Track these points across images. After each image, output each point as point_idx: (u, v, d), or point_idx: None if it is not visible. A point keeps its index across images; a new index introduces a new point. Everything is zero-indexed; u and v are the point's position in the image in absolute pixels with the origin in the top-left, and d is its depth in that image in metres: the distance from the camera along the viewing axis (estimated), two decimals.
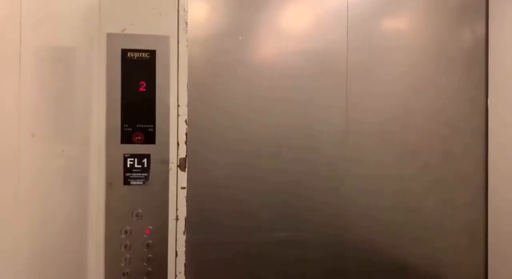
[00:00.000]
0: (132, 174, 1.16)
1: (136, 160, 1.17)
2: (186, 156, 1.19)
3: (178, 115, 1.19)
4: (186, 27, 1.19)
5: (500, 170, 1.49)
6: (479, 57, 1.56)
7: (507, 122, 1.45)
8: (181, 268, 1.19)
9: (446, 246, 1.53)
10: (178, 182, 1.19)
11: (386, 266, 1.49)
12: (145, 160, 1.17)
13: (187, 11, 1.19)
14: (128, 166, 1.16)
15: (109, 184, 1.15)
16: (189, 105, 1.21)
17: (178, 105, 1.19)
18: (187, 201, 1.20)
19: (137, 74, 1.16)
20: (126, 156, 1.16)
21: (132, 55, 1.16)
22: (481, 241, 1.54)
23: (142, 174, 1.17)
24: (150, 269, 1.17)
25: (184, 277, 1.19)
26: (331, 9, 1.44)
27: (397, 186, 1.49)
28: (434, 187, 1.52)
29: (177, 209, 1.19)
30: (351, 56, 1.45)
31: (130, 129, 1.16)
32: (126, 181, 1.16)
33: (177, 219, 1.19)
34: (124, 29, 1.15)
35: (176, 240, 1.19)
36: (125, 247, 1.16)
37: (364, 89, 1.47)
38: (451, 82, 1.54)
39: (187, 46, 1.19)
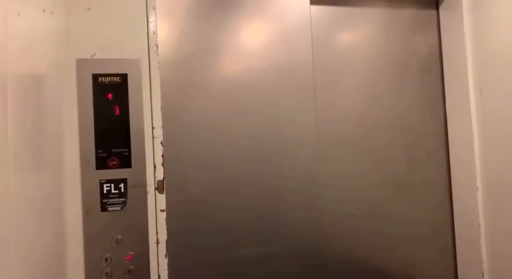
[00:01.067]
0: (109, 200, 1.14)
1: (112, 185, 1.15)
2: (163, 178, 1.19)
3: (153, 137, 1.18)
4: (157, 49, 1.19)
5: (461, 172, 1.57)
6: (434, 65, 1.65)
7: (464, 127, 1.53)
8: None
9: (417, 250, 1.59)
10: (157, 205, 1.18)
11: (364, 274, 1.53)
12: (122, 185, 1.15)
13: (156, 34, 1.20)
14: (105, 191, 1.14)
15: (86, 212, 1.13)
16: (163, 125, 1.21)
17: (153, 127, 1.18)
18: (166, 223, 1.19)
19: (110, 99, 1.15)
20: (102, 181, 1.14)
21: (103, 79, 1.15)
22: (449, 245, 1.62)
23: (120, 199, 1.15)
24: None
25: None
26: (295, 24, 1.48)
27: (368, 194, 1.54)
28: (402, 193, 1.58)
29: (157, 232, 1.18)
30: (317, 68, 1.50)
31: (105, 154, 1.15)
32: (104, 208, 1.14)
33: (157, 242, 1.18)
34: (94, 54, 1.14)
35: (158, 263, 1.17)
36: (106, 275, 1.13)
37: (331, 100, 1.52)
38: (410, 90, 1.61)
39: (158, 68, 1.19)
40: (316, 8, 1.52)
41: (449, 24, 1.61)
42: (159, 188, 1.18)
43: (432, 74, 1.65)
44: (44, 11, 0.96)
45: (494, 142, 1.43)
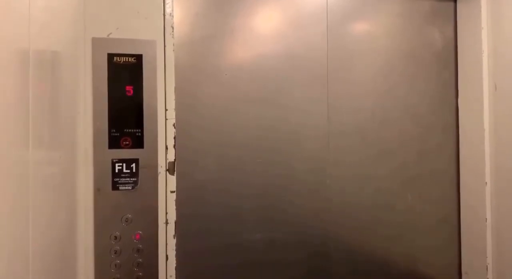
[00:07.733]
0: (121, 179, 1.16)
1: (124, 164, 1.16)
2: (175, 159, 1.20)
3: (166, 119, 1.19)
4: (172, 31, 1.19)
5: (470, 166, 1.56)
6: (448, 58, 1.64)
7: (476, 121, 1.52)
8: (172, 271, 1.19)
9: (423, 242, 1.59)
10: (167, 186, 1.19)
11: (369, 263, 1.54)
12: (133, 165, 1.17)
13: (173, 16, 1.20)
14: (117, 171, 1.16)
15: (98, 190, 1.14)
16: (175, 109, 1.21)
17: (166, 109, 1.19)
18: (176, 205, 1.20)
19: (124, 79, 1.16)
20: (114, 160, 1.16)
21: (118, 59, 1.15)
22: (454, 238, 1.62)
23: (131, 179, 1.16)
24: (140, 273, 1.17)
25: None
26: (311, 12, 1.48)
27: (376, 185, 1.54)
28: (410, 184, 1.58)
29: (166, 213, 1.19)
30: (331, 57, 1.49)
31: (118, 134, 1.16)
32: (115, 186, 1.15)
33: (167, 223, 1.19)
34: (110, 33, 1.14)
35: (166, 244, 1.19)
36: (115, 253, 1.15)
37: (343, 90, 1.51)
38: (423, 82, 1.60)
39: (173, 50, 1.19)
40: None
41: (466, 17, 1.59)
42: (170, 169, 1.19)
43: (446, 67, 1.64)
44: None
45: (505, 137, 1.42)
